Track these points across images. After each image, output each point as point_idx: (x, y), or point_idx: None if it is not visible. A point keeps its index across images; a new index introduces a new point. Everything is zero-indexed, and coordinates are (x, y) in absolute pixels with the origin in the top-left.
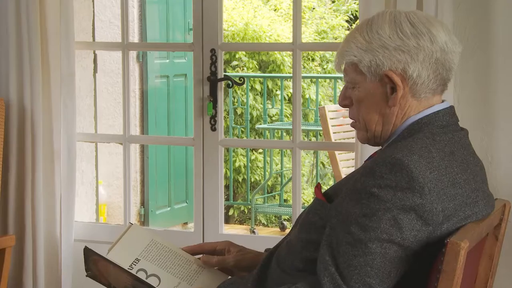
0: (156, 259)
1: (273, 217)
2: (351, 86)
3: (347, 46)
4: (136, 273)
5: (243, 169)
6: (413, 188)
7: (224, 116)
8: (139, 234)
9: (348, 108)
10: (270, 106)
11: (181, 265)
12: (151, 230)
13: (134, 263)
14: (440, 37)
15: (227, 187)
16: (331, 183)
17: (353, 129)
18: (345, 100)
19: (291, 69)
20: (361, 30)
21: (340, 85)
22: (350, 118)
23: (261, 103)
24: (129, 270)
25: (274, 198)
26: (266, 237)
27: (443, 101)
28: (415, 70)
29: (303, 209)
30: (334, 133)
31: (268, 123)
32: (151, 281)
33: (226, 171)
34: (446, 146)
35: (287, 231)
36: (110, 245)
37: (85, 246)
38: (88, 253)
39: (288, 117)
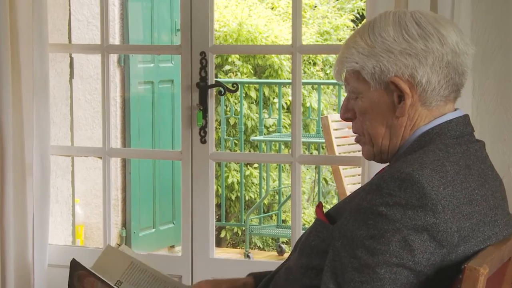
0: (138, 283)
1: (270, 240)
2: (353, 96)
3: (347, 52)
4: None
5: (236, 186)
6: (425, 205)
7: (216, 127)
8: (117, 256)
9: (351, 122)
10: (266, 116)
11: None
12: (128, 252)
13: (116, 285)
14: (450, 38)
15: (218, 206)
16: (335, 201)
17: None
18: (348, 113)
19: (290, 74)
20: (362, 34)
21: (345, 92)
22: (354, 133)
23: (256, 112)
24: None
25: (271, 218)
26: (262, 262)
27: (456, 109)
28: (424, 75)
29: (303, 231)
30: (338, 145)
31: (265, 134)
32: None
33: (217, 188)
34: (461, 158)
35: (286, 255)
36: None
37: (73, 258)
38: (75, 266)
39: (286, 128)
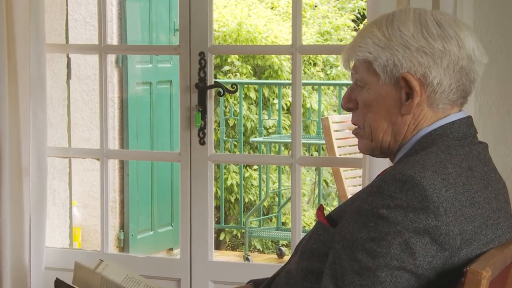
0: None
1: (270, 243)
2: (360, 84)
3: (361, 41)
4: None
5: (235, 188)
6: (426, 208)
7: (214, 128)
8: (88, 273)
9: (351, 112)
10: (266, 117)
11: None
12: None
13: None
14: (468, 43)
15: (217, 208)
16: (335, 203)
17: None
18: (350, 103)
19: (290, 75)
20: (380, 25)
21: (351, 81)
22: (353, 124)
23: (256, 114)
24: None
25: (271, 220)
26: (262, 265)
27: (460, 110)
28: (436, 76)
29: (303, 234)
30: (338, 147)
31: (264, 136)
32: None
33: (216, 190)
34: (463, 160)
35: (286, 258)
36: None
37: (56, 278)
38: (60, 286)
39: (286, 129)
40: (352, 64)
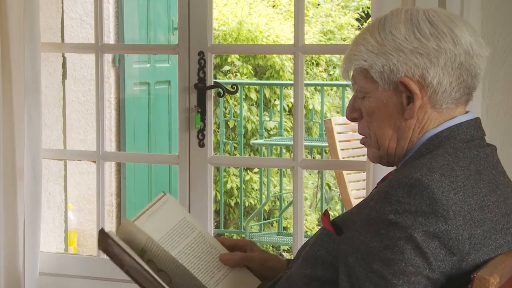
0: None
1: (271, 247)
2: (360, 95)
3: (356, 49)
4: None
5: (235, 192)
6: (436, 212)
7: (214, 130)
8: (172, 209)
9: (357, 122)
10: (267, 118)
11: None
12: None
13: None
14: (464, 38)
15: (217, 212)
16: (338, 207)
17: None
18: (354, 113)
19: (292, 75)
20: (372, 31)
21: (349, 94)
22: (360, 134)
23: (257, 115)
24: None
25: (272, 225)
26: None
27: (467, 112)
28: (435, 76)
29: (305, 239)
30: (342, 149)
31: (265, 138)
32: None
33: (216, 194)
34: (471, 163)
35: None
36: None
37: (102, 228)
38: (103, 236)
39: (288, 131)
40: (351, 74)
